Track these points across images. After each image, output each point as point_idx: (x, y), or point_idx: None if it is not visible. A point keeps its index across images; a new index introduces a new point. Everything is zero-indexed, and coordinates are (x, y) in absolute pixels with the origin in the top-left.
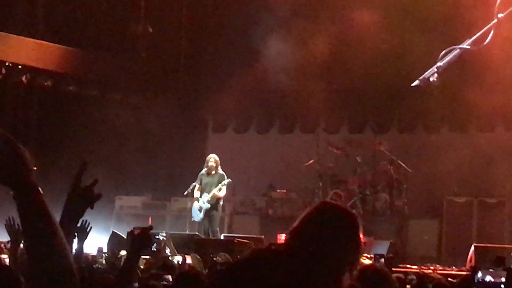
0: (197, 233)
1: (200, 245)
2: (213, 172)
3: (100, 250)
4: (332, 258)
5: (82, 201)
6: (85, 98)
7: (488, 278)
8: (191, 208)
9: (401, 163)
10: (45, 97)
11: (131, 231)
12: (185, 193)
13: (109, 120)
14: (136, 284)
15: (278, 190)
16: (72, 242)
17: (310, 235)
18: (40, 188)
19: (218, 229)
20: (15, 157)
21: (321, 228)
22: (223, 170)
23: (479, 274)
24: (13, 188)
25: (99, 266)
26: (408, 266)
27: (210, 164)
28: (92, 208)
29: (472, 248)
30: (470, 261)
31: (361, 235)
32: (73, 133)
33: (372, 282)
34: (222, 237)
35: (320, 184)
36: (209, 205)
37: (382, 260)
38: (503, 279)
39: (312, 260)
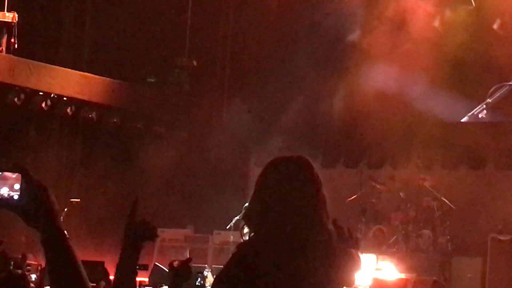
0: None
1: None
2: None
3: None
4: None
5: (140, 236)
6: (129, 131)
7: None
8: (234, 242)
9: (445, 200)
10: (89, 129)
11: (171, 263)
12: (228, 227)
13: (152, 152)
14: None
15: None
16: (134, 279)
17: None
18: (66, 232)
19: None
20: (43, 202)
21: (271, 192)
22: None
23: None
24: (40, 232)
25: None
26: None
27: None
28: (153, 240)
29: None
30: None
31: (315, 175)
32: (116, 165)
33: None
34: None
35: (363, 220)
36: None
37: None
38: None
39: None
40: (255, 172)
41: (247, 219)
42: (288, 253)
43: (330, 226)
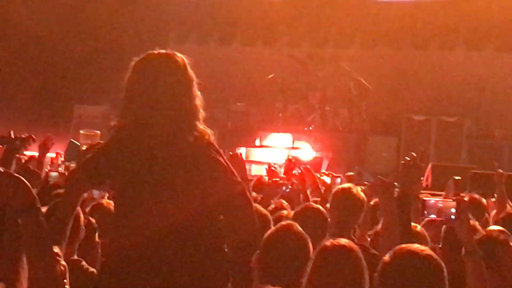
0: None
1: None
2: None
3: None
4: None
5: None
6: None
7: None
8: None
9: (362, 80)
10: None
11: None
12: None
13: (67, 28)
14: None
15: (238, 103)
16: None
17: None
18: None
19: None
20: None
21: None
22: None
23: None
24: None
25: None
26: (366, 183)
27: None
28: None
29: (429, 166)
30: (427, 179)
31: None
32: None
33: (346, 204)
34: None
35: (281, 99)
36: None
37: (339, 180)
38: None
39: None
40: (173, 49)
41: (118, 109)
42: (146, 142)
43: (200, 124)
